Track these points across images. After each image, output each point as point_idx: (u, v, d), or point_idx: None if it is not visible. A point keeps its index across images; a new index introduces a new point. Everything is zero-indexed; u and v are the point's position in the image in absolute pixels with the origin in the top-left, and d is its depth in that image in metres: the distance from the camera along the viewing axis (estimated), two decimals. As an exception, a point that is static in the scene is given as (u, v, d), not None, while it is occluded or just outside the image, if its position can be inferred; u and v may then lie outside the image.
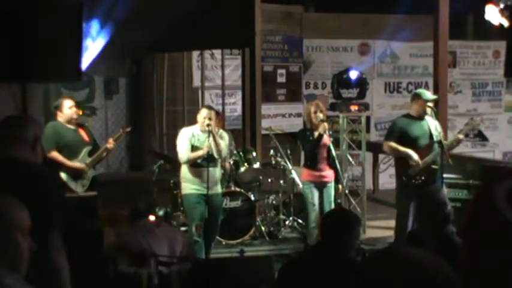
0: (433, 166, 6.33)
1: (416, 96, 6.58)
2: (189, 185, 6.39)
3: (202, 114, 6.36)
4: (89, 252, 5.13)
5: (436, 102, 6.71)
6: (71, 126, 6.17)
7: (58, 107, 6.15)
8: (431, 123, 6.46)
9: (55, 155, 5.96)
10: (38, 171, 2.93)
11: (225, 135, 6.69)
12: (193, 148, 6.36)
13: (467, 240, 1.53)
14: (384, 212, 8.65)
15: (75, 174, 6.05)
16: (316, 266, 3.43)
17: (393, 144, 6.47)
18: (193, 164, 6.35)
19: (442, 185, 6.39)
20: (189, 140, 6.36)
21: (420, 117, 6.47)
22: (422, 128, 6.44)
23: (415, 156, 6.33)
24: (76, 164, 6.07)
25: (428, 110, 6.46)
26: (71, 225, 4.98)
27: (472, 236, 1.50)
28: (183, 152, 6.35)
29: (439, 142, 6.33)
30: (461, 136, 6.36)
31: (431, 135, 6.41)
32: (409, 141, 6.41)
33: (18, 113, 4.34)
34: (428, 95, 6.62)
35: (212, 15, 7.81)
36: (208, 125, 6.24)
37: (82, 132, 6.27)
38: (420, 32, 10.52)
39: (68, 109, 6.15)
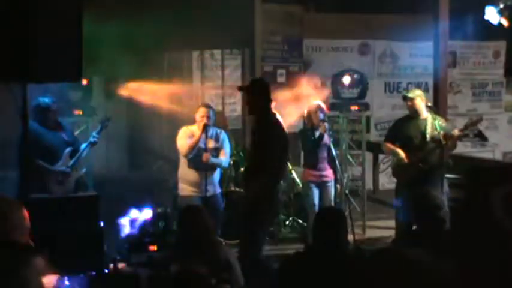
0: (421, 165, 6.30)
1: None
2: (186, 186, 6.36)
3: (200, 113, 6.34)
4: (89, 252, 5.13)
5: (428, 101, 6.69)
6: (50, 127, 5.92)
7: (37, 107, 5.84)
8: (430, 123, 6.41)
9: (39, 163, 5.75)
10: None
11: (225, 137, 6.64)
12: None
13: (466, 243, 1.53)
14: (384, 212, 8.64)
15: (60, 179, 5.91)
16: (314, 266, 3.43)
17: (387, 144, 6.56)
18: (193, 166, 6.32)
19: (443, 185, 6.34)
20: (187, 137, 6.31)
21: (415, 117, 6.43)
22: (416, 127, 6.41)
23: (399, 154, 6.36)
24: (60, 169, 5.91)
25: (417, 108, 6.39)
26: (71, 225, 4.98)
27: (470, 241, 1.50)
28: (183, 145, 6.28)
29: (438, 141, 6.28)
30: (456, 133, 6.30)
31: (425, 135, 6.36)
32: (403, 140, 6.47)
33: (18, 114, 4.32)
34: (408, 93, 6.62)
35: (212, 15, 7.82)
36: (205, 125, 6.21)
37: (61, 133, 6.05)
38: (420, 32, 10.50)
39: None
